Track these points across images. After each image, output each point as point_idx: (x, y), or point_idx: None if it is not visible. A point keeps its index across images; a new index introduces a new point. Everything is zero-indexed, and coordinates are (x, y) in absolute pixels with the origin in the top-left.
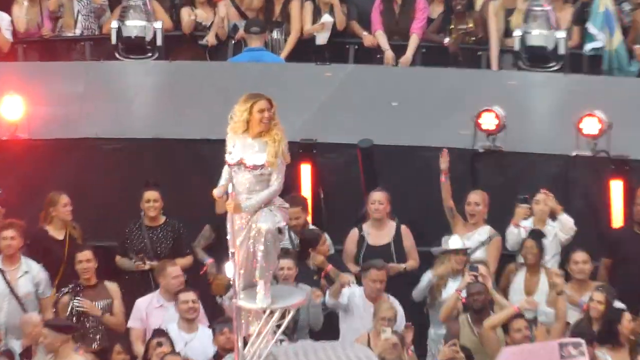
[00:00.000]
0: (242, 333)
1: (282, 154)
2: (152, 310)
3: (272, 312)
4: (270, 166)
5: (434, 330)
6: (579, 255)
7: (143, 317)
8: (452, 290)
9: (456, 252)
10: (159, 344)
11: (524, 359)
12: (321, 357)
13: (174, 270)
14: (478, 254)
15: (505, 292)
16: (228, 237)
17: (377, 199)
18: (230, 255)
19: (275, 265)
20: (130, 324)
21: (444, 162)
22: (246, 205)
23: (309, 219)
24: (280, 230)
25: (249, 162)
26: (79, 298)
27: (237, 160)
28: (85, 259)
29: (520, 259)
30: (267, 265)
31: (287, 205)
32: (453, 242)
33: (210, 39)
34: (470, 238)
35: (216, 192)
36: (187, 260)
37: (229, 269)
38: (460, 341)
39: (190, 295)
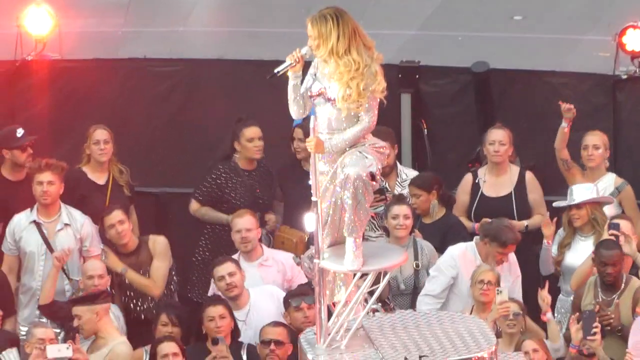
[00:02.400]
0: (326, 301)
1: (360, 89)
2: None
3: (363, 276)
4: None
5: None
6: None
7: None
8: (583, 252)
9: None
10: (215, 342)
11: None
12: (424, 331)
13: None
14: (606, 211)
15: None
16: (310, 182)
17: (498, 138)
18: (312, 204)
19: (367, 218)
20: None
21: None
22: (330, 144)
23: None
24: (372, 176)
25: (332, 94)
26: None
27: (317, 91)
28: (117, 221)
29: None
30: (358, 218)
31: (382, 144)
32: (579, 192)
33: None
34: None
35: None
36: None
37: (310, 221)
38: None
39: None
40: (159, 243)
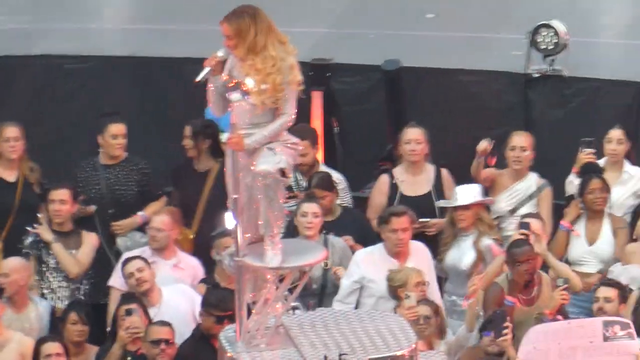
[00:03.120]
0: (246, 299)
1: (274, 81)
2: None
3: (283, 273)
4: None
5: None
6: None
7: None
8: (465, 251)
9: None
10: (129, 313)
11: (557, 339)
12: (344, 329)
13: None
14: (525, 210)
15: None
16: (227, 179)
17: (414, 137)
18: (230, 202)
19: (282, 215)
20: (110, 282)
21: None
22: (250, 140)
23: (320, 156)
24: (283, 173)
25: (248, 89)
26: (36, 225)
27: (234, 88)
28: (59, 199)
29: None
30: (272, 215)
31: (294, 140)
32: (463, 193)
33: None
34: (513, 190)
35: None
36: (160, 204)
37: (229, 219)
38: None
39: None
40: (91, 237)
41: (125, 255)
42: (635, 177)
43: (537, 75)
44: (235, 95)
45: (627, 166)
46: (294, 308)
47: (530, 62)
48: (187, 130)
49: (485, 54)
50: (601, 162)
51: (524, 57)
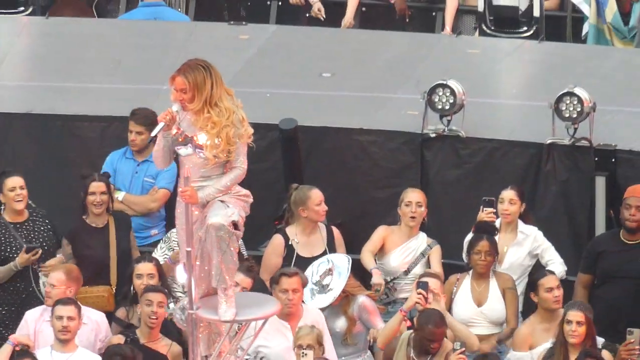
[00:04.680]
0: (199, 353)
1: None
2: (42, 325)
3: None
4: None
5: None
6: (550, 281)
7: (30, 333)
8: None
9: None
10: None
11: None
12: None
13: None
14: (418, 269)
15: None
16: (176, 231)
17: (318, 198)
18: (182, 255)
19: (236, 268)
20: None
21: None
22: (204, 193)
23: None
24: (236, 226)
25: (201, 143)
26: None
27: (185, 143)
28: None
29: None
30: (225, 268)
31: (244, 192)
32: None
33: None
34: (406, 247)
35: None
36: (58, 260)
37: (180, 272)
38: None
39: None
40: None
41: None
42: (531, 236)
43: (433, 135)
44: (184, 150)
45: (522, 226)
46: None
47: (426, 122)
48: (98, 186)
49: (382, 114)
50: (497, 222)
51: (420, 116)
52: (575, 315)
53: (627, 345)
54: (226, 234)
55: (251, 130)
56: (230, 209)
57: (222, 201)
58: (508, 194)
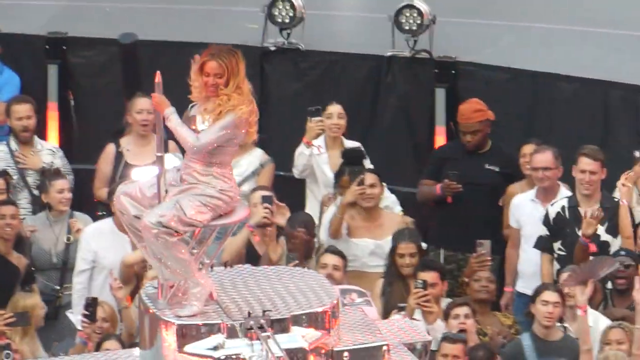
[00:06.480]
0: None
1: None
2: None
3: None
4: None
5: None
6: None
7: None
8: None
9: None
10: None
11: None
12: (265, 287)
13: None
14: (247, 187)
15: None
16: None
17: (145, 107)
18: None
19: (184, 269)
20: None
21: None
22: (173, 118)
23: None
24: (169, 228)
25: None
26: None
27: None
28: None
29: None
30: (170, 271)
31: (222, 187)
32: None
33: None
34: (237, 165)
35: None
36: None
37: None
38: None
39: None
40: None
41: None
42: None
43: (273, 48)
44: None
45: (346, 142)
46: (212, 265)
47: (266, 36)
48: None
49: (222, 27)
50: (321, 139)
51: (260, 30)
52: (407, 247)
53: (478, 257)
54: (163, 234)
55: (246, 111)
56: (170, 210)
57: (176, 201)
58: (335, 108)
